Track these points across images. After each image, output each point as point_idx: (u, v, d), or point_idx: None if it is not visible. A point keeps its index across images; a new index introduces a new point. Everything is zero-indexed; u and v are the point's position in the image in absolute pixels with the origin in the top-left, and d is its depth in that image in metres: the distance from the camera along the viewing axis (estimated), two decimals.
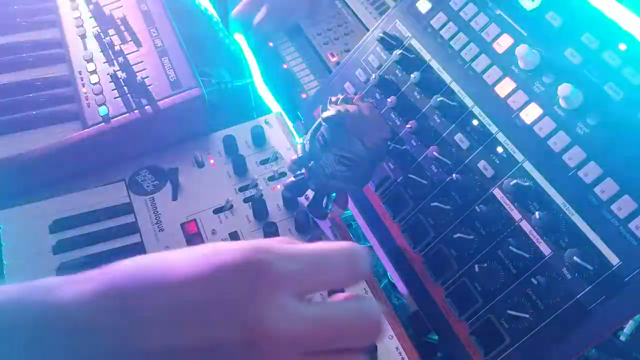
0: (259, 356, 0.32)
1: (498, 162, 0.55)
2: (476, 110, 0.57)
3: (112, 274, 0.33)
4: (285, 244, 0.35)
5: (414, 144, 0.61)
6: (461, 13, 0.61)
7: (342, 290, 0.50)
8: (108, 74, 0.78)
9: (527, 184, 0.51)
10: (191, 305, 0.31)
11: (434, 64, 0.61)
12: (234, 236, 0.65)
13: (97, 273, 0.33)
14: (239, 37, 0.92)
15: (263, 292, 0.32)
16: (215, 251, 0.33)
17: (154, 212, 0.68)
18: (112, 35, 0.84)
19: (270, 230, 0.64)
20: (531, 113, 0.53)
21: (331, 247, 0.36)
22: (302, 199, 0.67)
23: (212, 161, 0.73)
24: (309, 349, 0.33)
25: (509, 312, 0.49)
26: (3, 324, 0.31)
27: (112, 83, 0.77)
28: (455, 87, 0.59)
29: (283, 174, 0.70)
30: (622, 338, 0.47)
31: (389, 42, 0.65)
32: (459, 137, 0.57)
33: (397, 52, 0.63)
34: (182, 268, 0.32)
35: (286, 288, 0.33)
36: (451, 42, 0.61)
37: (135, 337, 0.31)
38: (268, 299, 0.32)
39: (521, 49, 0.54)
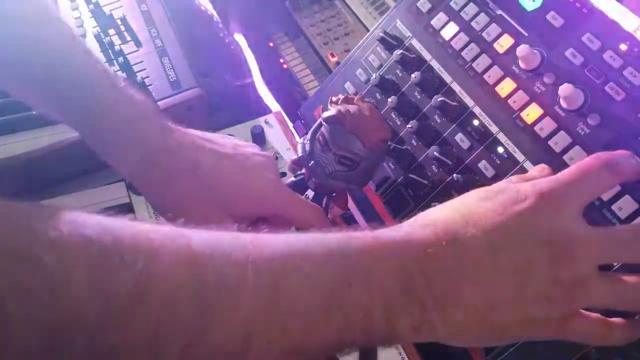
0: (565, 263, 0.38)
1: (499, 162, 0.54)
2: (477, 110, 0.57)
3: (442, 224, 0.40)
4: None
5: (415, 143, 0.61)
6: (462, 13, 0.61)
7: None
8: None
9: None
10: (503, 243, 0.39)
11: (435, 64, 0.61)
12: None
13: (421, 224, 0.40)
14: (239, 37, 0.92)
15: (555, 214, 0.39)
16: (512, 200, 0.40)
17: (154, 212, 0.68)
18: (112, 35, 0.84)
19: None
20: (532, 113, 0.53)
21: (585, 165, 0.42)
22: None
23: None
24: (604, 259, 0.40)
25: None
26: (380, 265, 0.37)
27: None
28: (455, 87, 0.59)
29: (283, 174, 0.70)
30: None
31: (389, 42, 0.65)
32: (459, 137, 0.57)
33: (398, 52, 0.63)
34: (492, 217, 0.39)
35: (567, 206, 0.40)
36: (452, 42, 0.61)
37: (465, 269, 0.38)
38: (560, 216, 0.39)
39: (522, 49, 0.54)
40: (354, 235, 0.38)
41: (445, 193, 0.57)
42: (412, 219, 0.41)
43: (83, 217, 0.30)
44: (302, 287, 0.35)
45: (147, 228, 0.32)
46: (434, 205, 0.54)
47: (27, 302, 0.26)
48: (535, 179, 0.44)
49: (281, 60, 0.91)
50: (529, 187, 0.41)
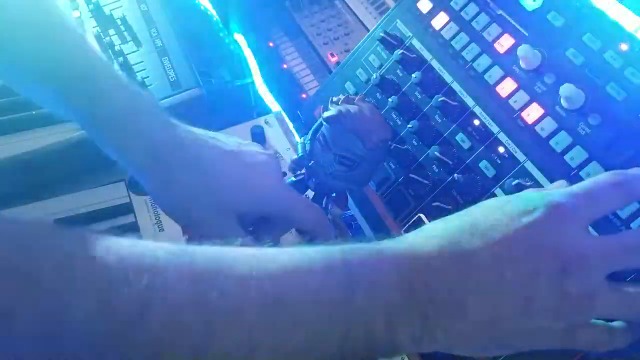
0: (574, 276, 0.37)
1: (500, 162, 0.54)
2: (477, 110, 0.57)
3: (447, 235, 0.39)
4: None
5: (415, 143, 0.61)
6: (462, 13, 0.61)
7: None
8: None
9: (528, 184, 0.51)
10: (508, 255, 0.38)
11: (435, 64, 0.61)
12: None
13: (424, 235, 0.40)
14: (239, 37, 0.92)
15: (564, 227, 0.39)
16: (521, 212, 0.39)
17: (154, 212, 0.68)
18: (112, 35, 0.84)
19: None
20: (533, 113, 0.53)
21: (599, 182, 0.41)
22: None
23: None
24: (612, 268, 0.39)
25: None
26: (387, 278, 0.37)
27: None
28: (456, 87, 0.59)
29: (283, 174, 0.70)
30: None
31: (389, 41, 0.65)
32: (460, 137, 0.57)
33: (398, 51, 0.62)
34: (498, 229, 0.38)
35: (576, 220, 0.39)
36: (452, 42, 0.61)
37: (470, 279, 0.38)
38: (569, 230, 0.39)
39: (523, 49, 0.53)
40: (358, 248, 0.38)
41: (445, 193, 0.57)
42: (418, 230, 0.41)
43: (87, 238, 0.31)
44: (305, 300, 0.35)
45: (151, 246, 0.33)
46: (437, 206, 0.54)
47: (35, 321, 0.27)
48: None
49: (281, 60, 0.91)
50: (538, 199, 0.40)
